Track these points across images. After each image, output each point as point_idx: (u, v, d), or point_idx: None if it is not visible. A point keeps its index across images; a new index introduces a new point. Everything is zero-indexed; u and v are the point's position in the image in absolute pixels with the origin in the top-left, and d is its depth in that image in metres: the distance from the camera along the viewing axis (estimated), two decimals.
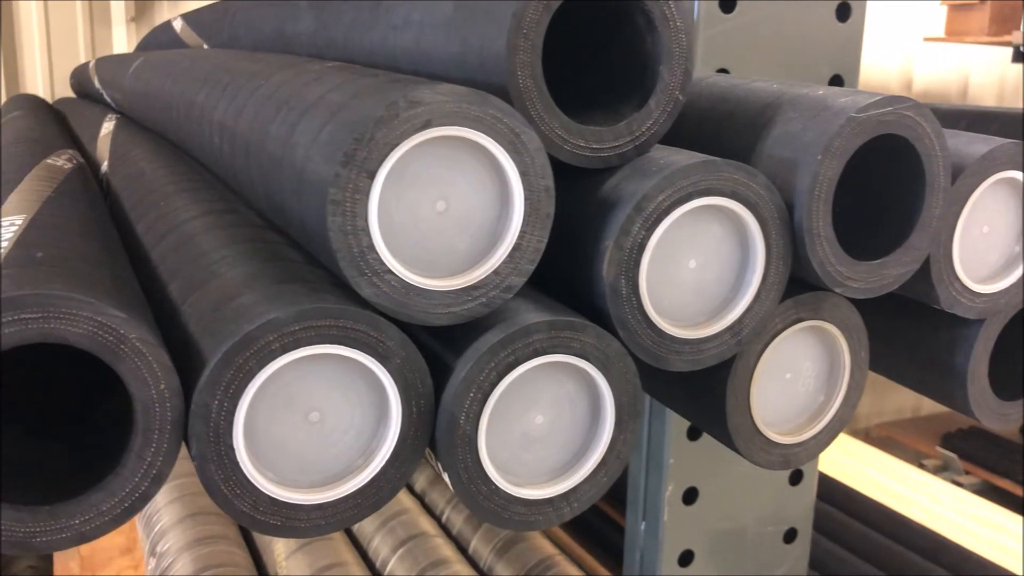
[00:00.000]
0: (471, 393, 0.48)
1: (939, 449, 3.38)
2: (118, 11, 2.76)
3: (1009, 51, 3.62)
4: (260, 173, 0.57)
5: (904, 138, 0.56)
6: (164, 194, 0.74)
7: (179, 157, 0.89)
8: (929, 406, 3.91)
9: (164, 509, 1.50)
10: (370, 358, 0.47)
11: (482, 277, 0.49)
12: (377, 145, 0.45)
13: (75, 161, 0.85)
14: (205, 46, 1.27)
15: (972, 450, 3.35)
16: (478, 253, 0.49)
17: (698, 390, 0.59)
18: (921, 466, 2.99)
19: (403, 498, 1.55)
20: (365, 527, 1.49)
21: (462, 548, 1.47)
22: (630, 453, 0.54)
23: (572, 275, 0.53)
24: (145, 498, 0.45)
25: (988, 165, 0.60)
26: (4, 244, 0.50)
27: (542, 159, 0.49)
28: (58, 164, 0.80)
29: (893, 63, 3.78)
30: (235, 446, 0.45)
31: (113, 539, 1.66)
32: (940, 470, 3.29)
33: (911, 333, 0.70)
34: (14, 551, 0.43)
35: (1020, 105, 3.82)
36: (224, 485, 0.45)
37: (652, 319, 0.52)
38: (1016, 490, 3.15)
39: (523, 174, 0.48)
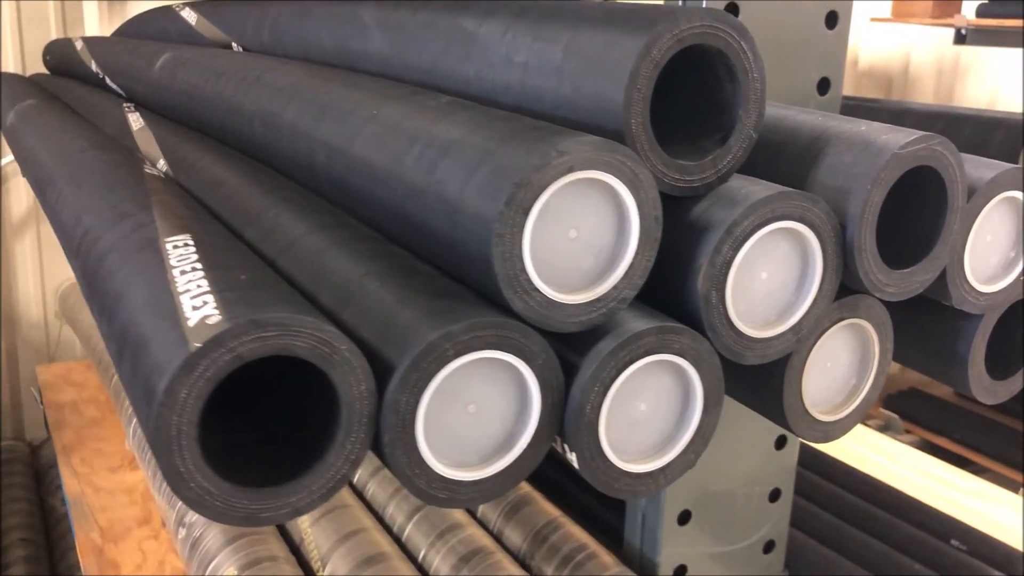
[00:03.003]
0: (595, 388, 0.59)
1: (881, 410, 3.59)
2: None
3: (949, 32, 3.80)
4: (392, 197, 0.66)
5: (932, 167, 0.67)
6: (264, 205, 0.82)
7: (251, 165, 0.96)
8: None
9: None
10: (519, 360, 0.57)
11: (604, 292, 0.59)
12: (532, 188, 0.55)
13: (156, 167, 0.92)
14: (235, 45, 1.32)
15: (911, 410, 3.57)
16: (600, 272, 0.59)
17: (758, 379, 0.71)
18: (865, 425, 3.18)
19: None
20: (379, 496, 1.59)
21: (470, 512, 1.58)
22: (712, 434, 0.65)
23: (666, 287, 0.64)
24: (345, 479, 0.54)
25: (994, 187, 0.72)
26: (192, 265, 0.58)
27: (654, 193, 0.59)
28: (154, 173, 0.87)
29: None
30: (417, 434, 0.55)
31: (129, 511, 1.74)
32: (883, 429, 3.50)
33: (919, 324, 0.82)
34: (245, 524, 0.52)
35: (956, 82, 4.00)
36: (407, 467, 0.55)
37: (734, 323, 0.63)
38: (951, 447, 3.37)
39: (639, 206, 0.58)
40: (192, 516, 1.50)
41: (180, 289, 0.55)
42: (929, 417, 3.55)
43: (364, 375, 0.53)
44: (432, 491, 0.57)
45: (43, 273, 2.86)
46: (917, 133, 0.66)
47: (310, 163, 0.80)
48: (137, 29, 2.00)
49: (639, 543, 1.42)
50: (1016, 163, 1.09)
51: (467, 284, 0.61)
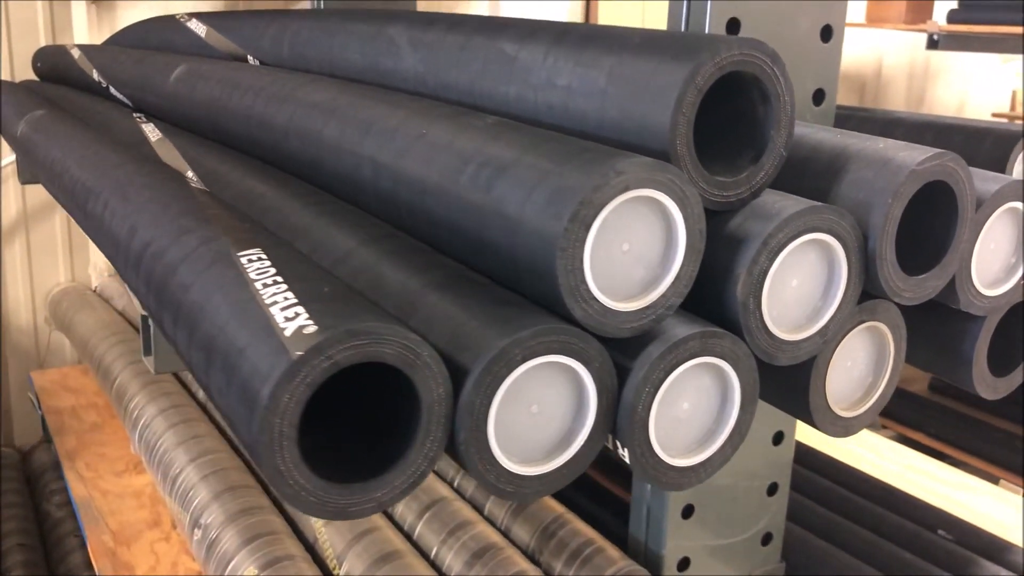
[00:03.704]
0: (646, 389, 0.64)
1: None
2: None
3: (920, 37, 3.90)
4: (446, 211, 0.70)
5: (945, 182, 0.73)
6: (309, 217, 0.86)
7: (285, 178, 1.00)
8: None
9: (199, 485, 1.61)
10: (578, 363, 0.62)
11: (654, 299, 0.64)
12: (593, 206, 0.59)
13: (187, 179, 0.96)
14: (251, 58, 1.36)
15: (887, 406, 3.65)
16: (650, 281, 0.64)
17: (784, 379, 0.76)
18: None
19: None
20: None
21: (478, 509, 1.63)
22: (747, 431, 0.70)
23: (704, 293, 0.69)
24: (423, 476, 0.59)
25: (999, 199, 0.78)
26: (273, 279, 0.63)
27: (699, 209, 0.64)
28: (195, 184, 0.91)
29: None
30: (488, 433, 0.60)
31: (138, 514, 1.77)
32: None
33: (925, 325, 0.88)
34: (335, 517, 0.57)
35: (927, 85, 4.09)
36: (479, 463, 0.60)
37: (769, 327, 0.69)
38: (927, 442, 3.46)
39: (686, 221, 0.63)
40: (208, 518, 1.53)
41: (267, 301, 0.60)
42: (905, 413, 3.64)
43: (443, 379, 0.58)
44: (501, 485, 0.61)
45: (32, 279, 2.86)
46: (931, 150, 0.72)
47: (354, 177, 0.84)
48: (138, 38, 2.03)
49: (644, 537, 1.48)
50: (1004, 171, 1.16)
51: (522, 293, 0.66)
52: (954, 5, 3.71)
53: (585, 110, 0.71)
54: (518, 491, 0.62)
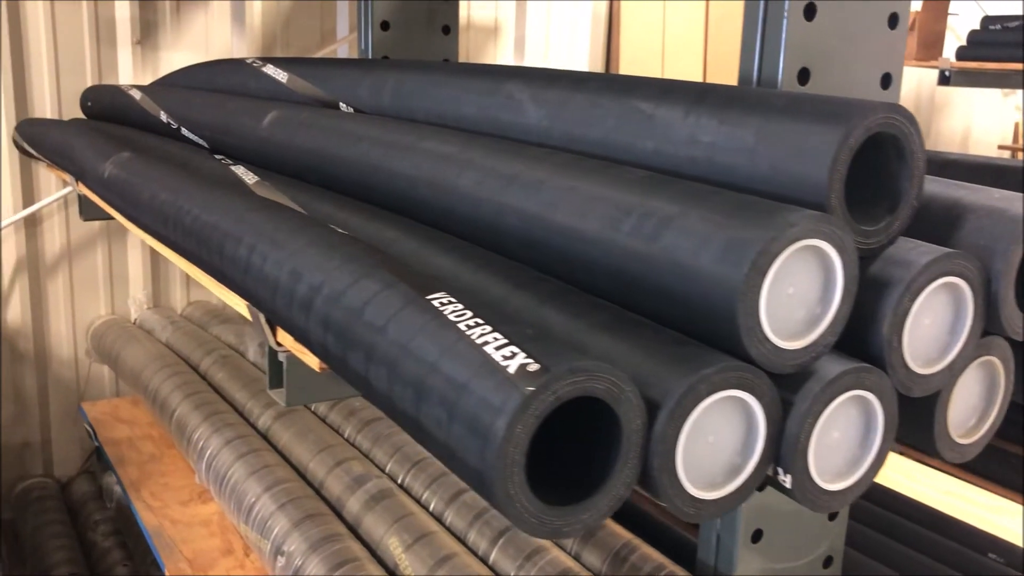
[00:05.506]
0: (807, 420, 0.71)
1: None
2: (124, 33, 2.84)
3: (928, 72, 4.02)
4: (607, 258, 0.77)
5: None
6: (450, 263, 0.93)
7: (411, 224, 1.07)
8: None
9: (276, 513, 1.66)
10: (752, 397, 0.69)
11: (815, 339, 0.71)
12: (769, 254, 0.66)
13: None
14: (343, 105, 1.43)
15: None
16: (810, 322, 0.71)
17: (910, 410, 0.83)
18: None
19: None
20: (457, 524, 1.68)
21: None
22: (886, 458, 0.77)
23: (849, 332, 0.76)
24: (622, 499, 0.65)
25: None
26: (475, 320, 0.69)
27: (855, 255, 0.71)
28: (340, 231, 0.97)
29: None
30: (677, 461, 0.66)
31: (210, 542, 1.82)
32: None
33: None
34: (550, 537, 0.63)
35: (932, 118, 4.18)
36: (668, 488, 0.66)
37: (908, 362, 0.76)
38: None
39: (844, 266, 0.70)
40: (290, 546, 1.58)
41: (478, 341, 0.66)
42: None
43: (640, 412, 0.64)
44: (684, 507, 0.68)
45: (74, 312, 2.92)
46: None
47: (496, 225, 0.91)
48: (202, 80, 2.09)
49: (713, 561, 1.53)
50: None
51: (688, 332, 0.73)
52: (960, 42, 3.83)
53: (734, 165, 0.78)
54: (698, 513, 0.69)
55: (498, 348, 0.65)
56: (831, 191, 0.72)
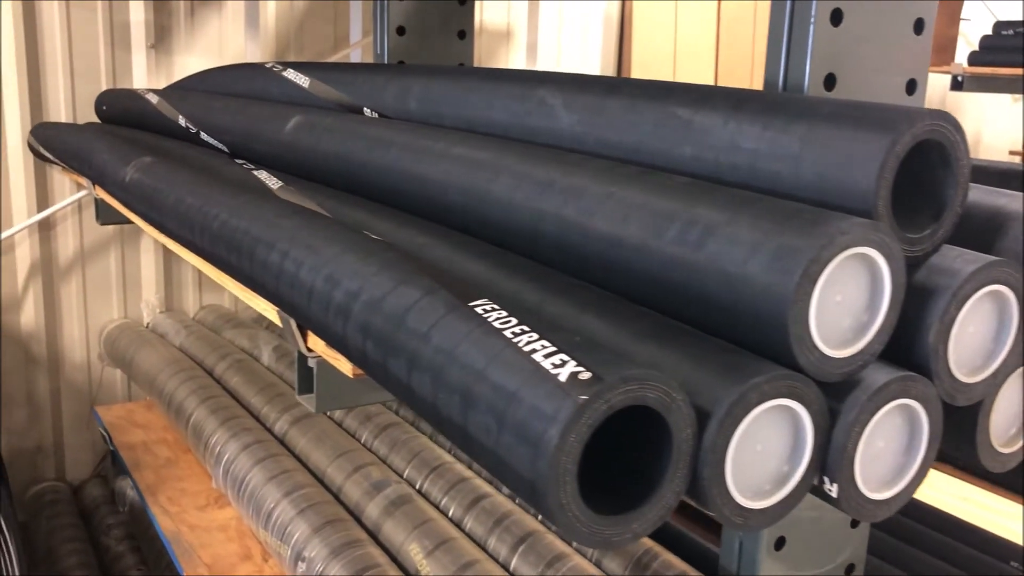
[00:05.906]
0: (854, 429, 0.70)
1: None
2: (138, 37, 2.85)
3: (939, 77, 4.01)
4: (648, 266, 0.77)
5: None
6: (483, 269, 0.93)
7: (443, 230, 1.06)
8: None
9: (297, 519, 1.66)
10: (800, 406, 0.68)
11: (862, 347, 0.70)
12: (820, 262, 0.66)
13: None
14: (367, 110, 1.43)
15: None
16: (857, 330, 0.71)
17: (954, 419, 0.82)
18: None
19: (503, 499, 1.74)
20: (477, 530, 1.68)
21: (566, 541, 1.68)
22: (930, 467, 0.76)
23: (893, 341, 0.75)
24: (671, 509, 0.65)
25: None
26: (521, 328, 0.69)
27: (903, 263, 0.70)
28: (376, 238, 0.97)
29: None
30: (726, 470, 0.66)
31: (228, 547, 1.81)
32: None
33: None
34: (600, 547, 0.63)
35: None
36: (717, 497, 0.66)
37: (953, 371, 0.75)
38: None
39: (892, 274, 0.70)
40: (311, 551, 1.58)
41: (526, 349, 0.66)
42: None
43: (690, 421, 0.64)
44: (733, 517, 0.67)
45: (87, 316, 2.91)
46: None
47: (532, 232, 0.91)
48: (220, 85, 2.09)
49: (736, 568, 1.52)
50: None
51: (735, 340, 0.72)
52: (972, 47, 3.82)
53: (778, 172, 0.78)
54: (746, 523, 0.68)
55: (547, 356, 0.64)
56: (879, 199, 0.72)
